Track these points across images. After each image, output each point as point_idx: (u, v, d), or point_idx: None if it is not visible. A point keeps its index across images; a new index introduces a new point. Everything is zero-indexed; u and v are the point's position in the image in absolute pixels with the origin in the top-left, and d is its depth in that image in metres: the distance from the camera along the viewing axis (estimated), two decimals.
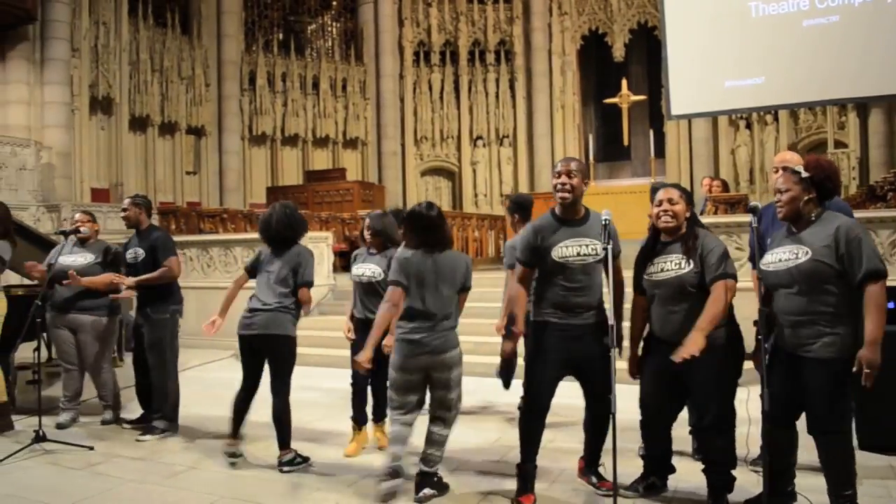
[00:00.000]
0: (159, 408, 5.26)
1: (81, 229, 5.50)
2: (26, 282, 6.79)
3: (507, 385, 3.82)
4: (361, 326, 4.75)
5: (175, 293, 5.39)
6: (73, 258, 5.45)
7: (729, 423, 3.52)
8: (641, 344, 3.76)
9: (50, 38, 13.70)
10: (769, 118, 17.38)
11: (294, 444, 4.63)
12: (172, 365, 5.29)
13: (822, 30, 10.63)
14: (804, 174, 3.26)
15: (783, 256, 3.25)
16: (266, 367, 4.59)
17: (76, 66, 14.45)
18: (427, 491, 3.79)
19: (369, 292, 4.79)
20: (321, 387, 6.73)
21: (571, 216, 3.70)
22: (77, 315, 5.43)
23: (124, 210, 5.48)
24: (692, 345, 3.28)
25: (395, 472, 3.81)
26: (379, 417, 4.90)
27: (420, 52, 20.80)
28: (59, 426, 5.39)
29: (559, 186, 3.64)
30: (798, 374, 3.23)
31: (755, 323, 3.33)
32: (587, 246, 3.63)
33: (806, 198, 3.24)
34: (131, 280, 5.28)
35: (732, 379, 3.51)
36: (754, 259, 3.78)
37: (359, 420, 4.89)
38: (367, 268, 4.80)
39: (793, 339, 3.23)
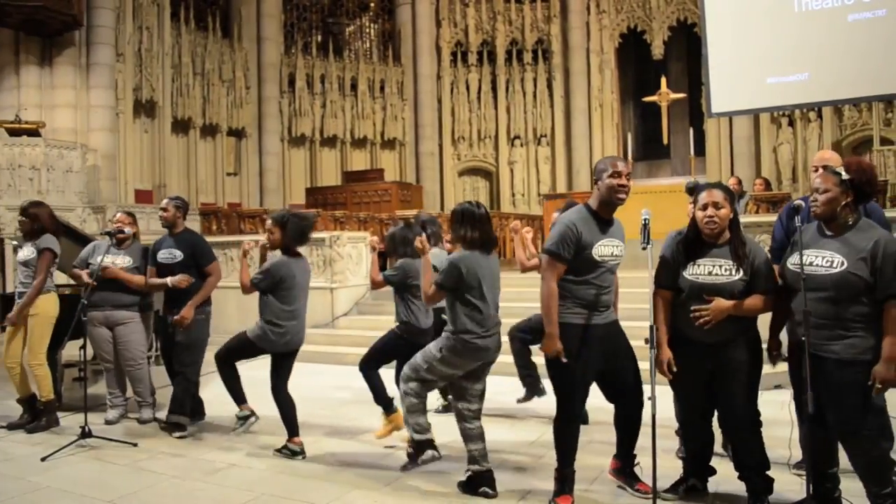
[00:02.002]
0: (179, 405, 5.30)
1: (125, 230, 5.63)
2: (72, 281, 6.96)
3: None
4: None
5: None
6: (111, 259, 5.54)
7: (755, 420, 3.51)
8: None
9: (95, 44, 13.98)
10: (812, 115, 17.02)
11: (332, 441, 4.68)
12: (198, 363, 5.35)
13: (869, 24, 10.37)
14: (845, 176, 3.20)
15: (815, 261, 3.19)
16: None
17: (120, 70, 14.73)
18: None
19: None
20: (358, 386, 6.75)
21: (609, 216, 3.68)
22: (114, 312, 5.54)
23: (164, 210, 5.46)
24: (719, 310, 3.36)
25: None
26: None
27: (457, 53, 20.80)
28: (108, 422, 5.52)
29: (618, 187, 3.55)
30: (819, 373, 3.17)
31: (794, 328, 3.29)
32: (617, 247, 3.67)
33: (844, 201, 3.18)
34: (186, 310, 5.23)
35: (756, 378, 3.52)
36: (778, 258, 3.72)
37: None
38: None
39: (815, 339, 3.17)
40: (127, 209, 6.16)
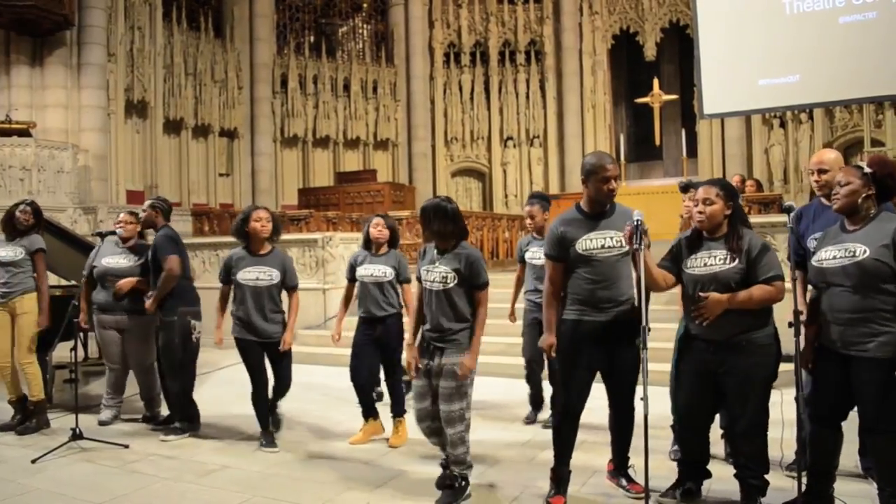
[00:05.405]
0: (178, 409, 5.31)
1: (117, 230, 5.59)
2: (63, 282, 6.93)
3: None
4: (366, 324, 5.01)
5: (185, 294, 5.27)
6: (115, 259, 5.53)
7: (763, 426, 3.47)
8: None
9: (87, 44, 13.92)
10: (804, 117, 17.08)
11: (325, 442, 4.66)
12: (185, 367, 5.27)
13: (860, 26, 10.41)
14: (867, 169, 3.23)
15: (838, 254, 3.22)
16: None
17: (112, 70, 14.67)
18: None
19: (378, 292, 4.98)
20: (352, 386, 6.75)
21: (598, 209, 3.69)
22: (123, 316, 5.51)
23: (143, 211, 5.53)
24: (714, 303, 3.32)
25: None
26: (398, 412, 5.01)
27: (450, 54, 20.79)
28: (101, 423, 5.50)
29: (608, 191, 3.62)
30: (847, 373, 3.18)
31: (790, 325, 3.29)
32: (612, 238, 3.63)
33: (865, 193, 3.22)
34: (149, 303, 5.24)
35: (769, 382, 3.46)
36: (797, 264, 3.74)
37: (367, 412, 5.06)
38: (377, 268, 4.98)
39: (844, 337, 3.19)
40: (130, 209, 6.10)
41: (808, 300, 3.56)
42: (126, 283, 5.43)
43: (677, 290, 3.93)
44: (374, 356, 5.02)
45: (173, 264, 5.15)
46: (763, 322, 3.41)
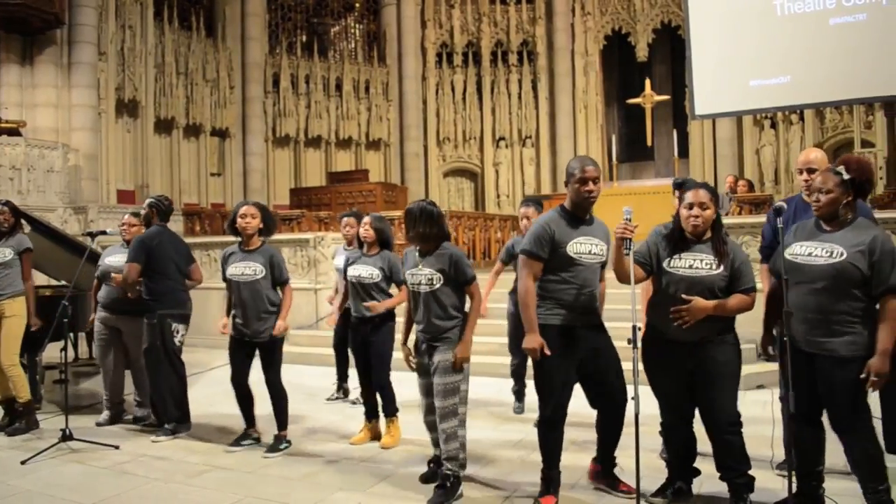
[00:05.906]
0: (164, 410, 5.29)
1: (108, 230, 5.61)
2: (53, 282, 6.89)
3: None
4: (356, 324, 5.01)
5: (169, 297, 5.26)
6: (116, 258, 5.58)
7: (738, 424, 3.49)
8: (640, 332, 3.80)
9: (77, 42, 13.85)
10: (794, 117, 17.16)
11: (317, 443, 4.64)
12: (169, 368, 5.24)
13: (850, 28, 10.45)
14: (846, 176, 3.24)
15: (815, 252, 3.23)
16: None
17: (103, 69, 14.59)
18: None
19: (363, 293, 4.92)
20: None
21: (583, 215, 3.70)
22: (123, 316, 5.51)
23: (143, 210, 5.51)
24: (698, 309, 3.35)
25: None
26: (389, 413, 4.98)
27: (442, 54, 20.78)
28: (98, 424, 5.49)
29: (587, 194, 3.62)
30: (815, 371, 3.21)
31: (780, 323, 3.30)
32: (596, 246, 3.68)
33: (845, 200, 3.23)
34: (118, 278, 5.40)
35: (738, 377, 3.52)
36: (767, 257, 3.76)
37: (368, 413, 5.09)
38: (365, 269, 4.94)
39: (809, 336, 3.21)
40: (132, 210, 6.09)
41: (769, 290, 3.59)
42: (119, 276, 5.43)
43: (641, 288, 3.94)
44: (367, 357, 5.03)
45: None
46: (731, 325, 3.52)
